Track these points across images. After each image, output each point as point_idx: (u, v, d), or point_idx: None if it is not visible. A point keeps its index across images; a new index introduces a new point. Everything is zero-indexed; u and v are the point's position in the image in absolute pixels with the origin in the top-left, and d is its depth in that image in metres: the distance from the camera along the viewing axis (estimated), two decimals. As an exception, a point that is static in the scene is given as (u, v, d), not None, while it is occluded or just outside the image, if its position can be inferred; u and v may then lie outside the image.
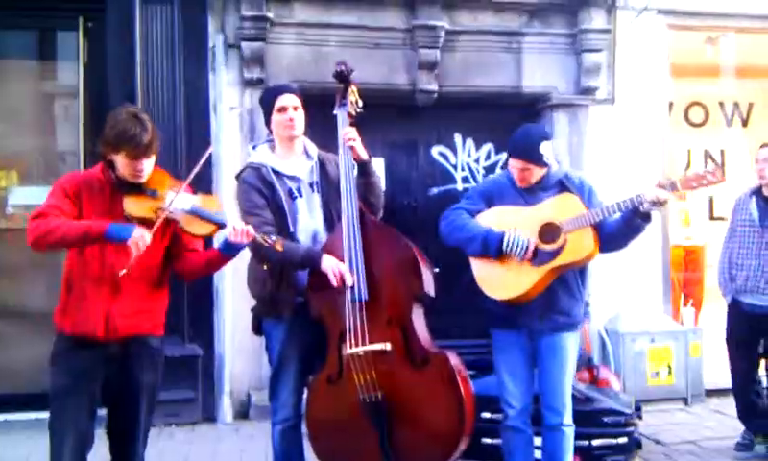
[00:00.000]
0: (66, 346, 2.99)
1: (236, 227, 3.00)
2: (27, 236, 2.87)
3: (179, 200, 2.96)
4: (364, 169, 3.51)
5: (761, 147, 4.82)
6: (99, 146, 3.00)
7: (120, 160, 2.91)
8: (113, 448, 3.10)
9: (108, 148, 2.93)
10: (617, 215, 3.46)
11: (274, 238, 3.09)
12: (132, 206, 2.92)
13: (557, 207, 3.51)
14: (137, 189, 2.96)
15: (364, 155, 3.50)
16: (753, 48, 6.98)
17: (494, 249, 3.49)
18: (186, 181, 3.04)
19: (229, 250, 3.05)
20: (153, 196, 2.96)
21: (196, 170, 3.06)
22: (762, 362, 4.90)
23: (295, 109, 3.49)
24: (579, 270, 3.61)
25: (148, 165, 2.95)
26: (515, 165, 3.60)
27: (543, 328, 3.57)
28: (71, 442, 2.95)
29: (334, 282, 3.27)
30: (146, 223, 2.89)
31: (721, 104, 7.35)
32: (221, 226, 3.00)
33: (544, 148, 3.56)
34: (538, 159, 3.54)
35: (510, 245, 3.45)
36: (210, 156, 5.44)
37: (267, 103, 3.56)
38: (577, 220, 3.43)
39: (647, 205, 3.34)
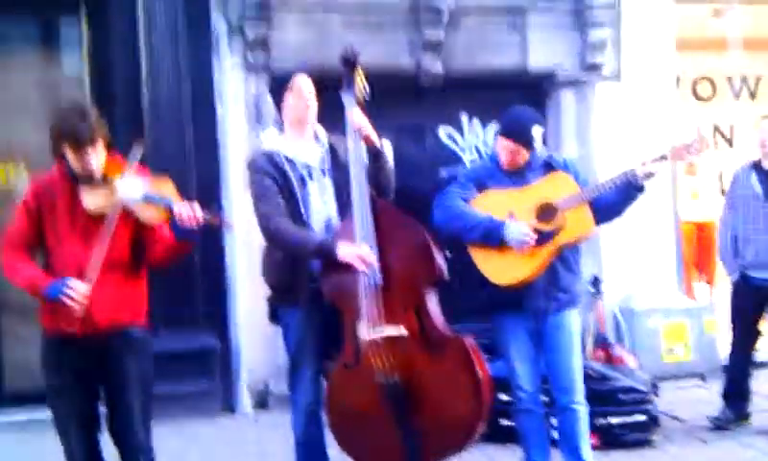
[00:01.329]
0: (51, 345, 3.04)
1: (182, 210, 2.95)
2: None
3: (129, 188, 2.95)
4: (377, 156, 3.47)
5: (762, 118, 4.79)
6: (50, 142, 3.02)
7: (68, 154, 2.94)
8: (116, 441, 3.11)
9: (55, 143, 2.97)
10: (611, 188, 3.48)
11: (222, 214, 3.07)
12: (90, 199, 2.95)
13: (550, 187, 3.52)
14: (92, 180, 2.97)
15: (377, 142, 3.46)
16: (759, 20, 6.92)
17: (496, 239, 3.48)
18: (130, 166, 3.00)
19: (183, 234, 2.98)
20: (107, 185, 2.97)
21: (134, 157, 3.02)
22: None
23: (310, 93, 3.47)
24: (575, 246, 3.63)
25: (95, 157, 2.94)
26: (506, 146, 3.58)
27: (548, 308, 3.57)
28: (76, 434, 3.02)
29: (359, 267, 3.24)
30: (105, 216, 2.94)
31: (729, 78, 7.29)
32: (169, 209, 2.97)
33: (536, 132, 3.56)
34: (528, 143, 3.55)
35: (510, 236, 3.44)
36: (209, 141, 5.51)
37: (281, 85, 3.51)
38: (573, 198, 3.45)
39: (641, 179, 3.38)
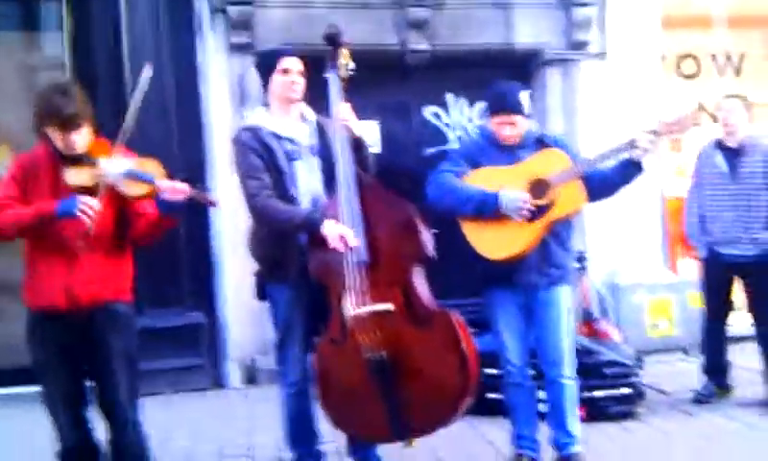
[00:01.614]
0: (35, 321, 3.04)
1: (166, 185, 2.97)
2: None
3: (113, 164, 2.97)
4: (358, 146, 3.47)
5: (725, 97, 4.83)
6: (33, 122, 3.01)
7: (52, 134, 2.94)
8: (104, 415, 3.12)
9: (38, 122, 2.97)
10: (608, 164, 3.49)
11: (207, 191, 3.09)
12: (73, 175, 2.95)
13: (543, 162, 3.53)
14: (77, 159, 2.98)
15: (357, 132, 3.46)
16: (745, -3, 6.93)
17: (491, 209, 3.48)
18: (116, 145, 3.02)
19: (168, 208, 3.01)
20: (91, 164, 2.98)
21: (122, 136, 3.03)
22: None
23: (299, 72, 3.46)
24: (566, 222, 3.64)
25: (80, 137, 2.96)
26: (504, 120, 3.59)
27: (540, 283, 3.59)
28: (64, 408, 3.04)
29: (338, 246, 3.24)
30: (88, 191, 2.93)
31: (713, 55, 7.29)
32: (153, 184, 2.98)
33: (523, 98, 3.62)
34: (520, 109, 3.59)
35: (506, 204, 3.45)
36: (193, 122, 5.49)
37: (268, 63, 3.51)
38: (565, 173, 3.46)
39: (636, 154, 3.37)
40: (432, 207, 3.64)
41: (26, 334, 3.06)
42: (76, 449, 3.05)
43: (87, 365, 3.08)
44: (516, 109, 3.59)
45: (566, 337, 3.66)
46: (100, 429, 3.14)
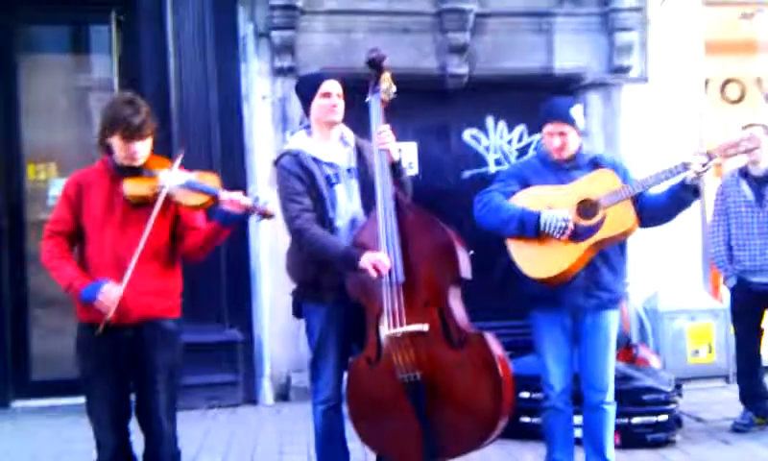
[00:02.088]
0: (85, 333, 3.10)
1: (228, 196, 3.04)
2: (41, 257, 3.10)
3: (173, 176, 3.03)
4: (395, 169, 3.50)
5: (744, 127, 4.80)
6: (98, 132, 3.12)
7: (116, 143, 3.02)
8: (142, 428, 3.18)
9: (104, 132, 3.05)
10: (662, 187, 3.44)
11: (265, 203, 3.15)
12: (131, 186, 3.02)
13: (593, 183, 3.50)
14: (135, 172, 3.05)
15: (396, 156, 3.50)
16: (788, 22, 6.84)
17: (532, 228, 3.48)
18: (177, 159, 3.10)
19: (226, 220, 3.07)
20: (150, 176, 3.04)
21: (183, 150, 3.14)
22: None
23: (339, 95, 3.51)
24: (619, 245, 3.60)
25: (142, 148, 3.04)
26: (553, 130, 3.58)
27: (588, 306, 3.56)
28: (108, 419, 3.09)
29: (373, 274, 3.28)
30: (146, 202, 3.00)
31: (758, 80, 7.21)
32: (214, 196, 3.04)
33: (576, 112, 3.59)
34: (570, 120, 3.56)
35: (547, 223, 3.44)
36: (236, 143, 5.62)
37: (309, 87, 3.56)
38: (615, 194, 3.42)
39: (690, 177, 3.31)
40: (479, 227, 3.66)
41: (75, 346, 3.13)
42: (114, 459, 3.09)
43: (131, 378, 3.13)
44: (564, 118, 3.57)
45: (611, 362, 3.63)
46: (137, 441, 3.20)
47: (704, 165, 3.29)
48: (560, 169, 3.61)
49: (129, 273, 2.95)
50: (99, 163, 3.14)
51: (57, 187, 6.01)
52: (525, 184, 3.64)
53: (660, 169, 3.40)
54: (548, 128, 3.60)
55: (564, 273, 3.47)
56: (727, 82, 7.15)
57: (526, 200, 3.58)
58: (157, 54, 5.71)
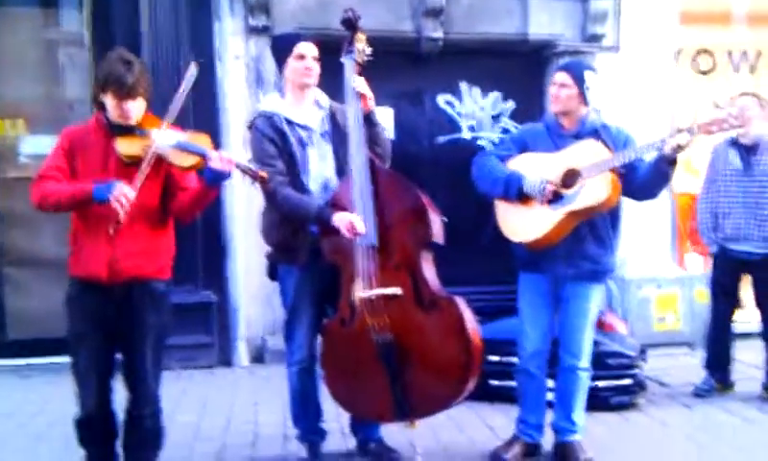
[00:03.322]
0: (76, 289, 3.09)
1: (218, 155, 3.03)
2: (31, 198, 3.02)
3: (164, 135, 3.02)
4: (369, 120, 3.51)
5: (739, 96, 4.85)
6: (92, 89, 3.09)
7: (108, 101, 3.00)
8: (127, 385, 3.19)
9: (98, 89, 3.03)
10: (647, 160, 3.46)
11: (257, 167, 3.14)
12: (124, 145, 3.00)
13: (581, 153, 3.52)
14: (128, 130, 3.03)
15: (371, 105, 3.50)
16: (763, -5, 6.91)
17: (515, 190, 3.53)
18: (168, 117, 3.08)
19: (215, 179, 3.06)
20: (142, 135, 3.03)
21: (174, 109, 3.09)
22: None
23: (314, 58, 3.49)
24: (611, 219, 3.62)
25: (135, 107, 3.02)
26: (555, 80, 3.61)
27: (568, 274, 3.60)
28: (93, 377, 3.08)
29: (347, 235, 3.31)
30: (137, 161, 2.99)
31: (729, 52, 7.27)
32: (204, 156, 3.03)
33: (589, 76, 3.56)
34: (579, 79, 3.53)
35: (529, 185, 3.49)
36: (209, 103, 5.56)
37: (284, 48, 3.54)
38: (596, 166, 3.44)
39: (669, 150, 3.33)
40: (474, 187, 3.71)
41: (65, 301, 3.11)
42: (96, 417, 3.10)
43: (119, 337, 3.12)
44: (570, 70, 3.58)
45: (589, 330, 3.68)
46: (118, 399, 3.21)
47: (684, 140, 3.30)
48: (561, 137, 3.62)
49: (139, 177, 2.93)
50: (92, 120, 3.11)
51: (27, 144, 5.92)
52: (524, 150, 3.67)
53: (643, 144, 3.43)
54: (554, 77, 3.62)
55: (540, 240, 3.52)
56: (699, 52, 7.21)
57: (519, 165, 3.62)
58: (129, 9, 5.60)
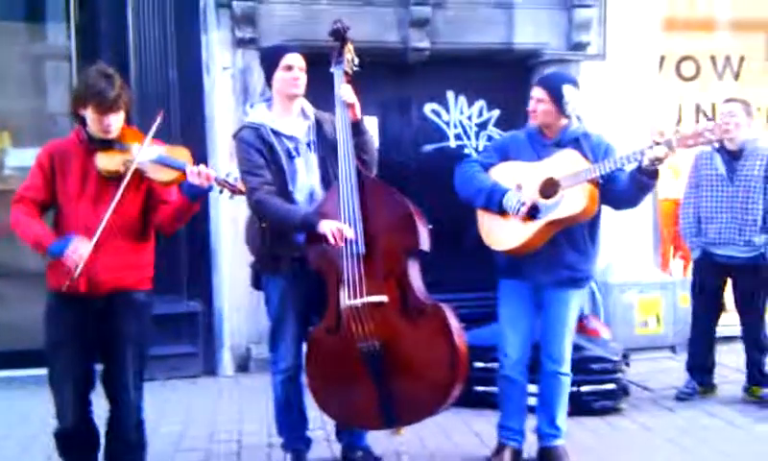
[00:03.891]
0: (55, 302, 3.09)
1: (197, 170, 3.05)
2: (9, 220, 3.06)
3: (145, 151, 3.04)
4: (356, 128, 3.55)
5: (725, 101, 4.90)
6: (71, 103, 3.11)
7: (89, 116, 3.01)
8: (108, 396, 3.20)
9: (78, 103, 3.04)
10: (626, 170, 3.46)
11: (234, 179, 3.18)
12: (104, 160, 3.03)
13: (560, 163, 3.54)
14: (108, 145, 3.05)
15: (359, 114, 3.54)
16: (745, 1, 6.98)
17: (496, 203, 3.57)
18: (150, 133, 3.10)
19: (194, 193, 3.08)
20: (122, 149, 3.05)
21: (155, 125, 3.12)
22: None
23: (300, 69, 3.53)
24: (588, 226, 3.65)
25: (116, 121, 3.03)
26: (532, 94, 3.65)
27: (548, 282, 3.64)
28: (70, 388, 3.08)
29: (332, 242, 3.34)
30: (117, 176, 3.01)
31: (713, 58, 7.35)
32: (184, 171, 3.06)
33: (567, 91, 3.58)
34: (556, 96, 3.56)
35: (507, 201, 3.53)
36: (196, 115, 5.60)
37: (271, 59, 3.57)
38: (574, 176, 3.47)
39: (646, 162, 3.35)
40: (457, 197, 3.74)
41: (44, 314, 3.11)
42: (74, 429, 3.10)
43: (99, 348, 3.14)
44: (545, 85, 3.61)
45: (569, 335, 3.73)
46: (98, 411, 3.22)
47: (662, 152, 3.32)
48: (542, 145, 3.65)
49: (98, 233, 2.94)
50: (73, 134, 3.13)
51: (11, 157, 5.93)
52: (506, 158, 3.70)
53: (621, 155, 3.44)
54: (532, 91, 3.67)
55: (518, 249, 3.56)
56: (682, 59, 7.29)
57: (499, 174, 3.66)
58: (116, 22, 5.61)
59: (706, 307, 4.98)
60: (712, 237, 4.85)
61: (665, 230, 6.79)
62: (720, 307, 5.04)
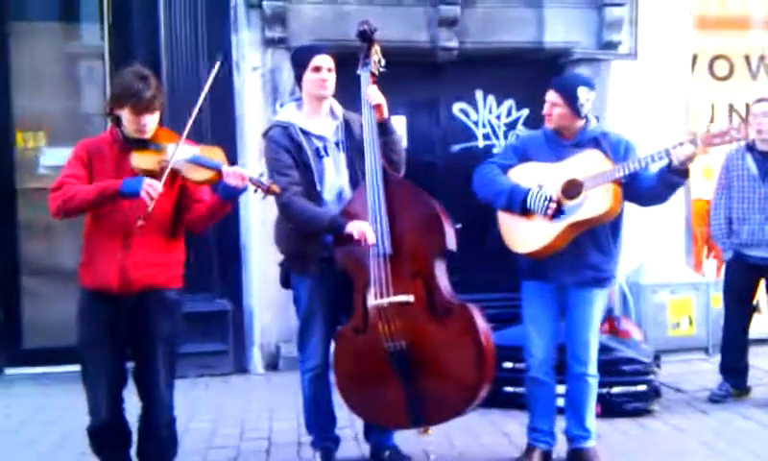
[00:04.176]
0: (88, 300, 3.12)
1: (231, 170, 3.07)
2: (49, 208, 3.04)
3: (180, 150, 3.07)
4: (384, 128, 3.55)
5: (757, 101, 4.83)
6: (108, 103, 3.15)
7: (125, 116, 3.04)
8: (141, 394, 3.23)
9: (114, 104, 3.07)
10: (651, 170, 3.44)
11: (269, 181, 3.19)
12: (139, 159, 3.05)
13: (582, 163, 3.52)
14: (143, 144, 3.08)
15: (386, 114, 3.54)
16: (780, -1, 6.88)
17: (518, 204, 3.53)
18: (184, 132, 3.13)
19: (228, 194, 3.10)
20: (157, 149, 3.08)
21: (189, 123, 3.14)
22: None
23: (329, 70, 3.54)
24: (611, 226, 3.62)
25: (151, 121, 3.06)
26: (547, 98, 3.62)
27: (572, 283, 3.61)
28: (103, 386, 3.11)
29: (359, 244, 3.35)
30: (152, 175, 3.02)
31: (746, 57, 7.24)
32: (219, 172, 3.07)
33: (582, 92, 3.54)
34: (570, 98, 3.53)
35: (532, 201, 3.49)
36: (226, 114, 5.64)
37: (301, 60, 3.58)
38: (598, 177, 3.44)
39: (675, 161, 3.32)
40: (476, 198, 3.71)
41: (77, 312, 3.14)
42: (107, 426, 3.14)
43: (131, 346, 3.17)
44: (558, 89, 3.58)
45: (594, 336, 3.71)
46: (130, 408, 3.25)
47: (689, 150, 3.30)
48: (561, 146, 3.62)
49: (152, 203, 2.94)
50: (107, 133, 3.17)
51: (47, 156, 6.03)
52: (524, 159, 3.67)
53: (646, 154, 3.41)
54: (547, 95, 3.63)
55: (541, 250, 3.53)
56: (715, 58, 7.19)
57: (519, 175, 3.62)
58: (148, 22, 5.70)
59: (738, 309, 4.93)
60: (745, 239, 4.79)
61: (698, 231, 6.70)
62: (753, 309, 4.98)
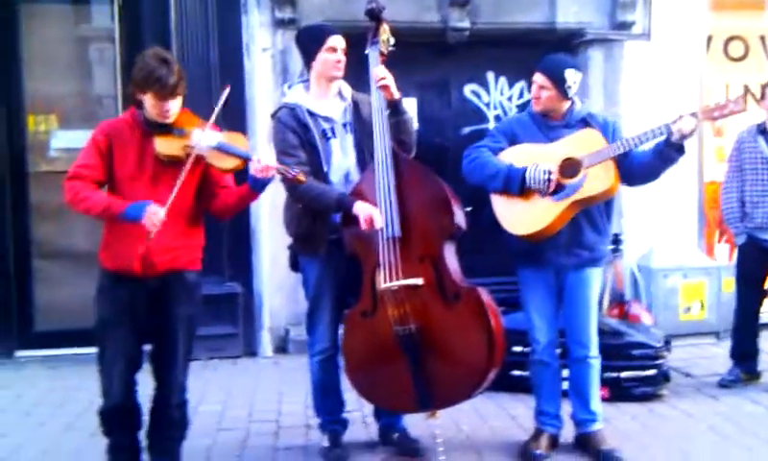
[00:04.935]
0: (108, 281, 3.12)
1: (260, 160, 3.06)
2: (64, 196, 3.04)
3: (205, 137, 3.04)
4: (395, 108, 3.52)
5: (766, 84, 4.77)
6: (129, 87, 3.11)
7: (148, 101, 3.01)
8: (156, 375, 3.25)
9: (136, 89, 3.03)
10: (644, 147, 3.44)
11: (296, 170, 3.17)
12: (163, 145, 3.02)
13: (578, 143, 3.50)
14: (166, 129, 3.05)
15: (396, 94, 3.51)
16: (797, -21, 6.78)
17: (517, 184, 3.49)
18: (211, 118, 3.11)
19: (257, 184, 3.10)
20: (180, 135, 3.05)
21: (218, 109, 3.13)
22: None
23: (344, 51, 3.52)
24: (604, 205, 3.62)
25: (174, 106, 3.04)
26: (534, 80, 3.59)
27: (569, 264, 3.60)
28: (120, 367, 3.12)
29: (363, 226, 3.34)
30: (178, 161, 3.01)
31: (762, 38, 7.16)
32: (246, 159, 3.06)
33: (569, 75, 3.52)
34: (558, 80, 3.51)
35: (531, 179, 3.46)
36: (236, 96, 5.63)
37: (314, 40, 3.54)
38: (598, 154, 3.43)
39: (676, 135, 3.32)
40: (465, 180, 3.68)
41: (96, 293, 3.14)
42: (120, 408, 3.15)
43: (150, 327, 3.17)
44: (545, 71, 3.55)
45: (593, 317, 3.69)
46: (141, 389, 3.27)
47: (688, 125, 3.30)
48: (549, 127, 3.61)
49: (168, 203, 2.95)
50: (128, 115, 3.14)
51: (58, 139, 6.05)
52: (513, 141, 3.65)
53: (644, 130, 3.40)
54: (534, 78, 3.61)
55: (543, 231, 3.49)
56: (730, 38, 7.10)
57: (512, 157, 3.59)
58: (158, 4, 5.69)
59: (750, 293, 4.89)
60: (758, 222, 4.74)
61: (710, 214, 6.65)
62: (764, 293, 4.94)
